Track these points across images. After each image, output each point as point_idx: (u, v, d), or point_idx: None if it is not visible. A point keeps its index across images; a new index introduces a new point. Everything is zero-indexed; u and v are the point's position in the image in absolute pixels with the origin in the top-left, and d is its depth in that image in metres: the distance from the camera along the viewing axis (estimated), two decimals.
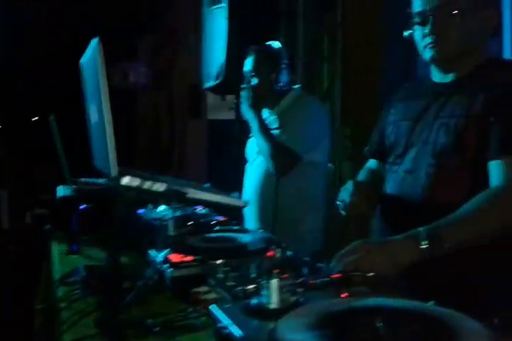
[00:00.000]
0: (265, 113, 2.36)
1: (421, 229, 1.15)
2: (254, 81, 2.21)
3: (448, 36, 1.34)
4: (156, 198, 1.21)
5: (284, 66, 2.17)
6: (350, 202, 1.43)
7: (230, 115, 3.47)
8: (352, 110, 3.07)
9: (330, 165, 2.44)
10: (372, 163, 1.67)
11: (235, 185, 2.94)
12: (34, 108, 8.19)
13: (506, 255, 1.29)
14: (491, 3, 1.38)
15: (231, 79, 2.70)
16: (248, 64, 2.23)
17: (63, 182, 2.13)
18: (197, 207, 1.77)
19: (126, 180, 1.10)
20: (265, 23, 2.74)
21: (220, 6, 2.75)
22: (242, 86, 2.27)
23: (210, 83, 2.87)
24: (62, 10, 6.22)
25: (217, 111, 4.13)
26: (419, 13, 1.36)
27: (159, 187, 1.15)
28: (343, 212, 1.47)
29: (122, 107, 7.10)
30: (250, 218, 2.28)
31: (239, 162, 2.71)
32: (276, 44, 2.21)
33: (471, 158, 1.29)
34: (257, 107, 2.23)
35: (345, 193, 1.46)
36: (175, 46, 5.98)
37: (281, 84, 2.18)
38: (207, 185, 1.65)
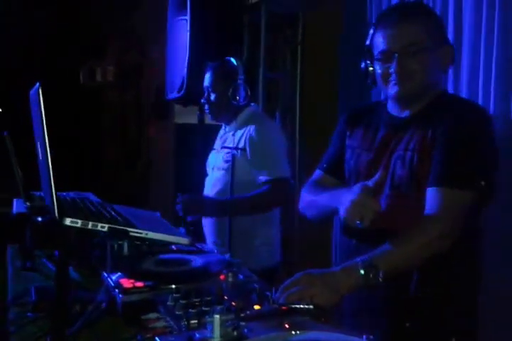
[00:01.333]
0: (221, 130, 2.42)
1: (358, 259, 1.22)
2: (212, 96, 2.28)
3: (412, 74, 1.41)
4: (100, 236, 1.23)
5: (240, 82, 2.21)
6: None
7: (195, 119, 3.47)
8: (312, 123, 3.12)
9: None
10: (320, 176, 1.67)
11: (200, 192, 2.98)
12: None
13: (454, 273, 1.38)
14: (446, 40, 1.47)
15: (193, 91, 2.71)
16: (207, 79, 2.30)
17: (19, 196, 2.12)
18: None
19: (68, 222, 1.13)
20: (228, 37, 2.76)
21: (183, 18, 2.75)
22: (202, 100, 2.32)
23: (172, 95, 2.88)
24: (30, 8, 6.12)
25: (184, 115, 4.11)
26: (384, 52, 1.42)
27: (102, 227, 1.18)
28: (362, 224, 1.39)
29: (89, 107, 7.04)
30: (209, 231, 2.33)
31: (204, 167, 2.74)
32: (233, 60, 2.26)
33: (423, 189, 1.36)
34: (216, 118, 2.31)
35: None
36: (142, 47, 5.95)
37: (238, 99, 2.23)
38: (157, 214, 1.67)
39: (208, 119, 2.74)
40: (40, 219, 1.86)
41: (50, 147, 1.01)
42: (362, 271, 1.19)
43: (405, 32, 1.39)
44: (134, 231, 1.22)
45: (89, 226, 1.16)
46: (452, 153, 1.34)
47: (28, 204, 1.81)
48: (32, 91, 1.19)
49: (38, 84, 1.04)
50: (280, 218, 2.34)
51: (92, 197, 2.19)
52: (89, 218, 1.19)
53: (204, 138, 3.22)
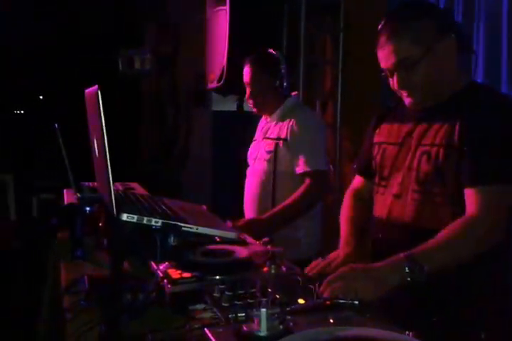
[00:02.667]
0: (262, 121, 2.44)
1: (402, 255, 1.23)
2: (254, 88, 2.29)
3: (416, 86, 1.41)
4: (153, 232, 1.28)
5: (282, 72, 2.22)
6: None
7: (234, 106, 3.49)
8: (353, 111, 3.11)
9: (331, 167, 2.50)
10: (357, 182, 1.75)
11: (237, 181, 3.01)
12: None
13: (486, 272, 1.38)
14: (443, 33, 1.39)
15: (232, 81, 2.75)
16: (246, 74, 2.31)
17: (68, 185, 2.20)
18: None
19: (125, 217, 1.18)
20: (267, 26, 2.77)
21: (222, 8, 2.77)
22: (244, 93, 2.34)
23: (212, 84, 2.91)
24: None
25: (222, 102, 4.13)
26: (383, 69, 1.43)
27: (156, 222, 1.23)
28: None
29: (127, 94, 7.16)
30: None
31: (242, 159, 2.77)
32: (273, 51, 2.26)
33: (451, 185, 1.36)
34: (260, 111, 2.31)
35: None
36: (179, 35, 5.99)
37: (280, 90, 2.24)
38: (203, 207, 1.72)
39: (247, 107, 2.78)
40: (88, 209, 1.95)
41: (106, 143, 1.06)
42: (407, 268, 1.20)
43: (395, 49, 1.37)
44: (185, 226, 1.27)
45: (144, 222, 1.22)
46: (488, 149, 1.32)
47: (78, 195, 1.89)
48: (89, 92, 1.24)
49: (96, 86, 1.08)
50: (321, 209, 2.36)
51: (139, 189, 2.26)
52: (144, 213, 1.24)
53: (242, 126, 3.27)
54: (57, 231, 2.18)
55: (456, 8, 2.27)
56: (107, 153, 1.04)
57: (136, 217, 1.20)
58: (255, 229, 1.98)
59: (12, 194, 6.09)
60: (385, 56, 1.40)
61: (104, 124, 1.04)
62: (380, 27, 1.42)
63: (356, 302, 1.10)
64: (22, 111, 9.48)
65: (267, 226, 2.11)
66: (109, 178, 1.05)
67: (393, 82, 1.43)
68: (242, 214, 2.42)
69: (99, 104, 1.03)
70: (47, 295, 1.95)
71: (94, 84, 1.12)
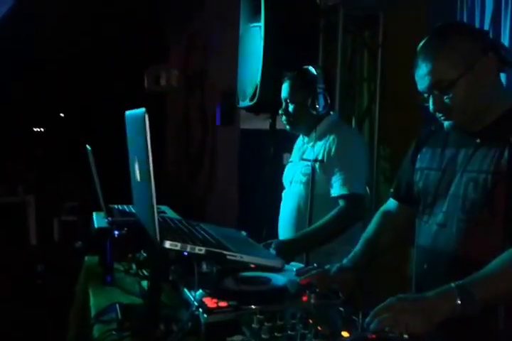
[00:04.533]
0: (299, 141, 2.45)
1: (452, 285, 1.21)
2: (291, 107, 2.31)
3: (452, 109, 1.41)
4: (197, 259, 1.30)
5: (320, 91, 2.24)
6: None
7: (264, 125, 3.52)
8: (391, 131, 3.11)
9: (367, 189, 2.49)
10: (391, 205, 1.76)
11: (266, 203, 3.02)
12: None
13: None
14: (481, 53, 1.39)
15: (266, 100, 2.77)
16: (284, 90, 2.33)
17: (98, 207, 2.24)
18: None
19: (168, 245, 1.20)
20: (303, 44, 2.79)
21: (257, 24, 2.81)
22: (280, 112, 2.37)
23: (244, 103, 2.94)
24: (95, 12, 6.39)
25: (250, 120, 4.16)
26: (420, 92, 1.44)
27: (199, 250, 1.25)
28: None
29: (153, 111, 7.28)
30: None
31: (272, 177, 2.78)
32: (311, 68, 2.28)
33: (500, 214, 1.35)
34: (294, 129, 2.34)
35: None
36: (207, 51, 6.09)
37: (317, 109, 2.25)
38: (243, 233, 1.73)
39: (279, 125, 2.79)
40: (117, 232, 1.98)
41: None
42: (459, 300, 1.18)
43: (431, 70, 1.38)
44: (230, 255, 1.28)
45: (188, 249, 1.23)
46: None
47: (109, 219, 1.93)
48: (133, 114, 1.27)
49: (144, 109, 1.11)
50: (359, 232, 2.35)
51: (169, 212, 2.29)
52: (186, 241, 1.26)
53: (272, 145, 3.28)
54: (84, 255, 2.21)
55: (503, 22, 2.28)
56: (152, 178, 1.05)
57: (179, 244, 1.22)
58: (285, 250, 1.98)
59: (33, 215, 6.19)
60: (419, 78, 1.42)
61: (150, 149, 1.06)
62: (418, 48, 1.44)
63: (406, 336, 1.09)
64: (42, 129, 9.68)
65: (297, 248, 2.12)
66: (152, 204, 1.07)
67: (428, 107, 1.44)
68: (274, 237, 2.43)
69: (145, 127, 1.06)
70: (74, 323, 1.97)
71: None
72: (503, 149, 1.36)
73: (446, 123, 1.46)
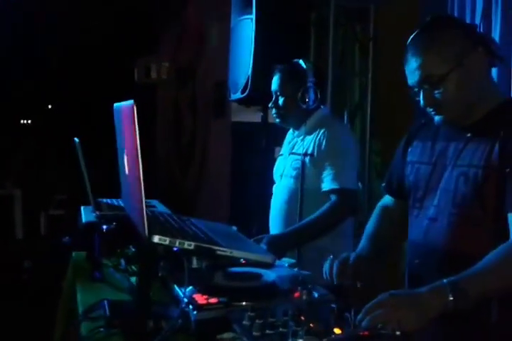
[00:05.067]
0: (289, 135, 2.45)
1: (445, 281, 1.21)
2: (281, 100, 2.30)
3: (443, 104, 1.41)
4: (186, 254, 1.28)
5: (310, 85, 2.23)
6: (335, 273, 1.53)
7: (256, 118, 3.52)
8: (383, 125, 3.11)
9: (359, 184, 2.49)
10: (388, 200, 1.77)
11: (257, 197, 3.01)
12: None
13: None
14: (470, 47, 1.39)
15: (257, 92, 2.77)
16: (274, 83, 2.33)
17: (86, 201, 2.22)
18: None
19: (156, 239, 1.18)
20: (294, 36, 2.79)
21: (248, 17, 2.80)
22: (270, 104, 2.35)
23: (236, 95, 2.93)
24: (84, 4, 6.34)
25: (242, 112, 4.15)
26: (410, 87, 1.44)
27: (189, 245, 1.23)
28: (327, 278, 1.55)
29: (143, 104, 7.23)
30: None
31: (263, 171, 2.77)
32: (302, 62, 2.28)
33: (491, 208, 1.35)
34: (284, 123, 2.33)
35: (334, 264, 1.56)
36: (198, 43, 6.05)
37: (307, 103, 2.24)
38: (234, 228, 1.72)
39: (270, 118, 2.78)
40: (105, 227, 1.96)
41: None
42: (451, 296, 1.18)
43: (421, 65, 1.38)
44: (219, 250, 1.27)
45: (177, 244, 1.22)
46: None
47: (97, 213, 1.91)
48: (121, 107, 1.25)
49: (132, 102, 1.09)
50: (352, 229, 2.35)
51: (160, 206, 2.27)
52: (176, 235, 1.24)
53: (264, 138, 3.28)
54: (72, 251, 2.19)
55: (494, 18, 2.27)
56: (141, 172, 1.04)
57: (168, 239, 1.21)
58: (276, 245, 1.98)
59: (20, 209, 6.14)
60: (410, 73, 1.41)
61: (139, 143, 1.04)
62: (407, 42, 1.44)
63: (398, 332, 1.08)
64: (29, 121, 9.59)
65: (287, 243, 2.11)
66: (141, 198, 1.06)
67: (418, 102, 1.44)
68: (265, 231, 2.42)
69: (134, 121, 1.04)
70: (61, 320, 1.95)
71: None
72: (494, 143, 1.36)
73: (436, 118, 1.46)
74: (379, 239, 1.68)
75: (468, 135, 1.44)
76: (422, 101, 1.42)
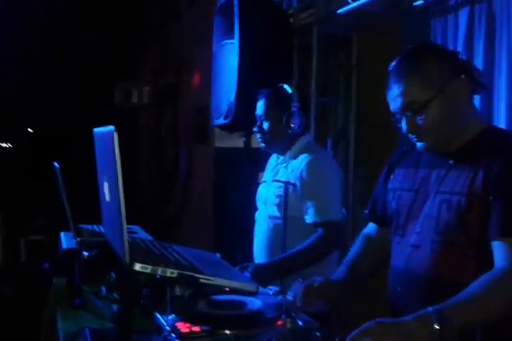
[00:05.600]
0: (273, 161, 2.45)
1: (430, 309, 1.21)
2: (265, 124, 2.31)
3: (425, 131, 1.43)
4: (168, 282, 1.28)
5: (294, 109, 2.24)
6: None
7: (239, 143, 3.53)
8: (367, 151, 3.13)
9: (343, 210, 2.49)
10: (371, 228, 1.77)
11: (242, 223, 3.00)
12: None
13: None
14: (453, 75, 1.41)
15: (241, 118, 2.78)
16: (259, 107, 2.33)
17: (66, 227, 2.20)
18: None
19: (138, 267, 1.18)
20: (277, 61, 2.81)
21: (231, 41, 2.82)
22: (254, 129, 2.36)
23: (219, 121, 2.94)
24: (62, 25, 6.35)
25: (225, 137, 4.15)
26: (392, 114, 1.46)
27: (171, 273, 1.23)
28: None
29: (124, 130, 7.21)
30: None
31: (247, 197, 2.77)
32: (287, 87, 2.30)
33: (475, 236, 1.36)
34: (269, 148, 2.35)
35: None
36: (180, 67, 6.08)
37: (293, 127, 2.25)
38: (217, 255, 1.71)
39: (254, 143, 2.79)
40: (86, 254, 1.94)
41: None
42: (437, 325, 1.18)
43: (403, 92, 1.39)
44: (202, 278, 1.26)
45: (159, 272, 1.21)
46: None
47: (78, 239, 1.89)
48: (102, 133, 1.25)
49: (113, 127, 1.09)
50: (338, 257, 2.34)
51: (141, 233, 2.26)
52: (158, 263, 1.23)
53: (248, 163, 3.28)
54: (52, 278, 2.16)
55: (477, 46, 2.32)
56: (121, 199, 1.04)
57: (150, 267, 1.20)
58: (260, 275, 1.97)
59: None
60: (391, 100, 1.43)
61: (119, 168, 1.04)
62: (389, 69, 1.45)
63: None
64: (9, 145, 9.52)
65: (272, 273, 2.10)
66: (122, 226, 1.05)
67: (400, 129, 1.45)
68: (249, 257, 2.41)
69: (114, 147, 1.04)
70: None
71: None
72: (477, 171, 1.37)
73: (419, 144, 1.47)
74: (357, 265, 1.68)
75: (451, 162, 1.46)
76: (404, 128, 1.44)
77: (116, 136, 1.06)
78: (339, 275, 1.64)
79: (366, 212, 1.77)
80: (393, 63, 1.45)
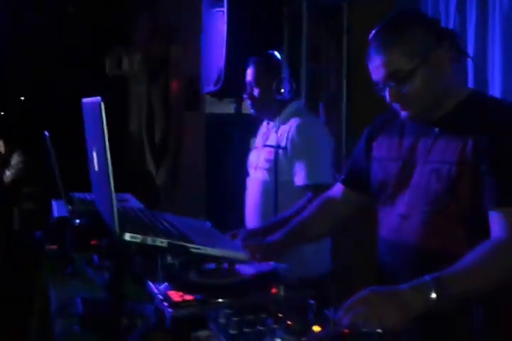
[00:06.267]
0: (263, 127, 2.43)
1: (427, 278, 1.17)
2: (256, 91, 2.27)
3: (409, 99, 1.37)
4: (159, 251, 1.24)
5: (285, 76, 2.20)
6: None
7: (230, 109, 3.46)
8: (359, 119, 3.08)
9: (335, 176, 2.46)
10: (338, 190, 1.71)
11: (234, 189, 2.97)
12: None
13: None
14: (435, 42, 1.37)
15: (230, 84, 2.73)
16: (249, 74, 2.29)
17: (57, 196, 2.15)
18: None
19: (128, 237, 1.14)
20: (267, 29, 2.76)
21: (220, 9, 2.75)
22: (245, 96, 2.33)
23: (209, 88, 2.89)
24: None
25: (216, 104, 4.09)
26: (374, 83, 1.40)
27: (161, 242, 1.19)
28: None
29: (115, 96, 7.11)
30: None
31: (238, 162, 2.73)
32: (277, 54, 2.26)
33: (465, 205, 1.32)
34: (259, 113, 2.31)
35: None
36: (171, 35, 5.96)
37: (283, 93, 2.21)
38: (208, 224, 1.68)
39: (244, 109, 2.74)
40: (78, 221, 1.90)
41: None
42: (434, 293, 1.14)
43: (385, 61, 1.34)
44: (193, 247, 1.23)
45: (149, 242, 1.17)
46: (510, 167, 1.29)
47: (69, 207, 1.85)
48: (89, 102, 1.20)
49: (99, 98, 1.04)
50: None
51: (133, 200, 2.22)
52: (148, 232, 1.19)
53: (239, 129, 3.24)
54: (44, 246, 2.12)
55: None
56: (110, 168, 0.99)
57: (140, 237, 1.16)
58: (266, 252, 1.93)
59: None
60: (374, 69, 1.37)
61: (107, 138, 0.99)
62: (369, 38, 1.39)
63: (379, 330, 1.04)
64: (1, 113, 9.40)
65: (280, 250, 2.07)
66: (111, 195, 1.01)
67: (384, 98, 1.40)
68: (240, 224, 2.39)
69: (101, 116, 0.99)
70: (37, 317, 1.90)
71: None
72: (466, 140, 1.33)
73: (403, 113, 1.42)
74: (312, 229, 1.70)
75: (436, 130, 1.41)
76: (388, 97, 1.39)
77: (103, 106, 1.01)
78: (278, 237, 1.66)
79: (342, 177, 1.71)
80: (374, 32, 1.39)
